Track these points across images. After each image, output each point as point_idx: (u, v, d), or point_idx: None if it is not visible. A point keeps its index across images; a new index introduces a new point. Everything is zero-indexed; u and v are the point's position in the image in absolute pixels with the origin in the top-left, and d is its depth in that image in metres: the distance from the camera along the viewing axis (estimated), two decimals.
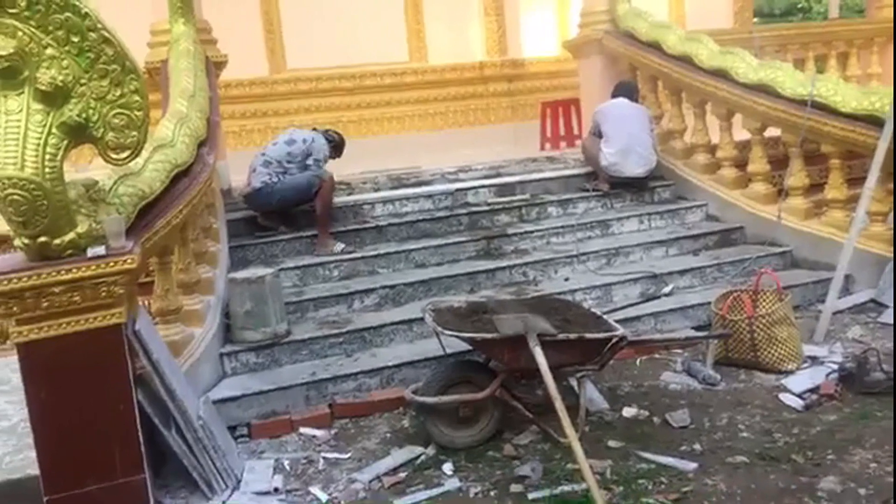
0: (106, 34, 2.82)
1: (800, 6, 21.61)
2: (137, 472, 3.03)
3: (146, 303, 3.95)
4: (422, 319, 3.71)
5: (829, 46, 8.02)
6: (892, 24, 8.14)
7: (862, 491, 2.80)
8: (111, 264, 2.90)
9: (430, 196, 5.89)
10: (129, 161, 3.03)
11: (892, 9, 8.25)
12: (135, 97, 2.87)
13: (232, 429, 3.73)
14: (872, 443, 3.14)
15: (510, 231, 5.58)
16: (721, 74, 5.78)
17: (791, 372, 3.99)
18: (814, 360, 4.12)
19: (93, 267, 2.88)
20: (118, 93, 2.85)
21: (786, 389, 3.81)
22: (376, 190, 6.01)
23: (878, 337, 4.40)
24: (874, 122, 4.84)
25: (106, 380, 3.00)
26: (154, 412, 3.11)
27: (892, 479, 2.86)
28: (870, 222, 5.04)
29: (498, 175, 6.36)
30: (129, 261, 2.92)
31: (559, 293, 4.69)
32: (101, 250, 2.91)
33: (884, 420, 3.36)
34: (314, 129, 5.63)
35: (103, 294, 2.93)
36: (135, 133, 2.91)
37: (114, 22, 2.96)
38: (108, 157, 2.96)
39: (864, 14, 10.87)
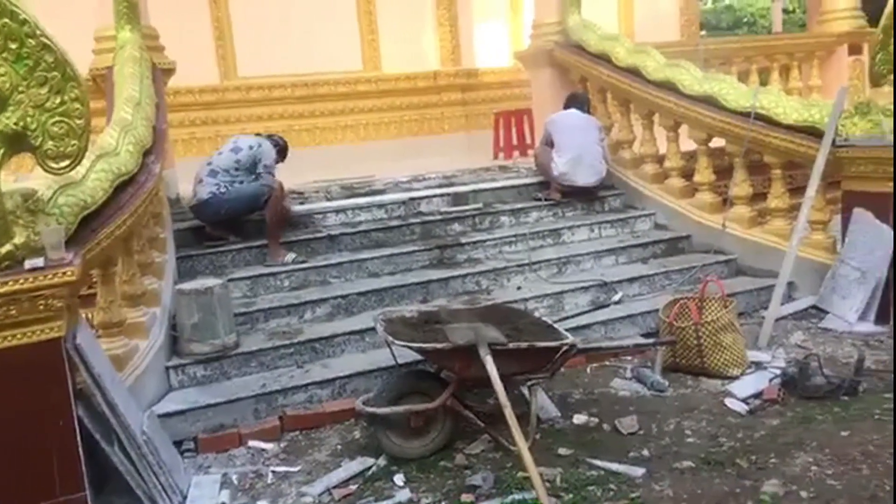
0: (45, 41, 2.75)
1: (745, 20, 22.26)
2: (78, 490, 2.94)
3: (88, 315, 3.86)
4: (374, 329, 3.69)
5: (771, 59, 8.27)
6: (831, 39, 8.45)
7: (804, 494, 2.87)
8: (50, 277, 2.81)
9: (383, 205, 5.87)
10: (70, 170, 2.95)
11: (831, 23, 8.56)
12: (75, 105, 2.80)
13: (178, 443, 3.65)
14: (813, 446, 3.22)
15: (463, 240, 5.59)
16: (668, 86, 5.91)
17: (736, 377, 4.08)
18: (758, 365, 4.22)
19: (30, 279, 2.79)
20: (58, 101, 2.78)
21: (731, 395, 3.90)
22: (329, 199, 5.96)
23: (819, 342, 4.54)
24: (814, 133, 5.00)
25: (45, 395, 2.91)
26: (95, 428, 3.03)
27: (833, 483, 2.93)
28: (811, 230, 5.20)
29: (451, 184, 6.38)
30: (68, 273, 2.84)
31: (511, 302, 4.73)
32: (39, 262, 2.82)
33: (824, 424, 3.46)
34: (258, 135, 5.56)
35: (41, 307, 2.84)
36: (75, 142, 2.84)
37: (57, 28, 2.90)
38: (48, 166, 2.88)
39: (805, 28, 11.23)
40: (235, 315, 4.39)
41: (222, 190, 5.14)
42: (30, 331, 2.85)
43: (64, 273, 2.84)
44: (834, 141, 4.86)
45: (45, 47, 2.73)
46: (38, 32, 2.72)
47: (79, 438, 2.96)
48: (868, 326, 4.65)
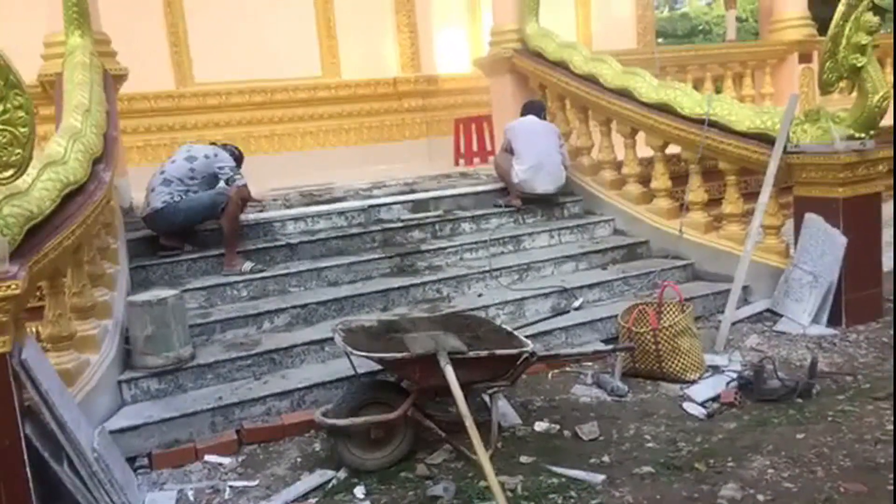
0: None
1: (701, 28, 22.72)
2: None
3: (36, 329, 3.74)
4: (334, 339, 3.64)
5: (725, 67, 8.42)
6: (782, 47, 8.64)
7: (761, 497, 2.90)
8: None
9: (342, 213, 5.82)
10: (14, 180, 2.85)
11: (782, 32, 8.76)
12: (19, 113, 2.71)
13: (132, 460, 3.56)
14: (769, 449, 3.27)
15: (424, 247, 5.57)
16: (624, 94, 5.98)
17: (694, 381, 4.13)
18: (715, 369, 4.28)
19: None
20: (0, 108, 2.69)
21: (689, 399, 3.94)
22: (287, 207, 5.89)
23: (773, 345, 4.62)
24: (766, 140, 5.10)
25: None
26: (44, 446, 2.93)
27: (789, 485, 2.98)
28: (764, 235, 5.30)
29: (412, 191, 6.36)
30: (12, 286, 2.74)
31: (472, 309, 4.72)
32: None
33: (779, 426, 3.51)
34: (213, 144, 5.46)
35: None
36: (19, 150, 2.75)
37: (4, 33, 2.81)
38: None
39: (759, 37, 11.48)
40: (191, 326, 4.30)
41: (176, 199, 5.04)
42: None
43: (8, 286, 2.74)
44: (785, 147, 4.96)
45: None
46: None
47: (26, 458, 2.85)
48: (820, 329, 4.75)
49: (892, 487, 2.85)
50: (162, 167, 5.25)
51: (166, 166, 5.22)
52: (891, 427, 3.35)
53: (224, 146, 5.48)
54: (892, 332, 4.54)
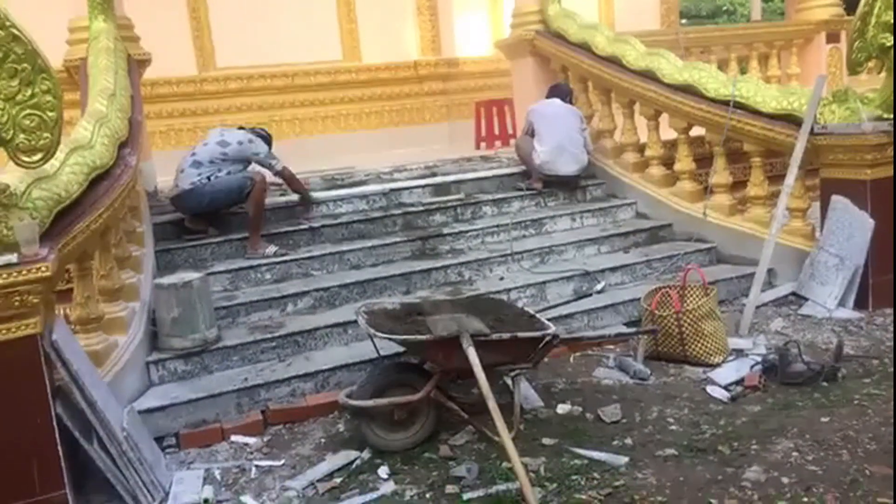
0: (15, 31, 2.69)
1: (724, 8, 22.35)
2: (58, 488, 2.92)
3: (66, 311, 3.80)
4: (356, 322, 3.67)
5: (750, 48, 8.31)
6: (809, 27, 8.50)
7: (785, 479, 2.89)
8: (24, 273, 2.77)
9: (364, 196, 5.84)
10: (42, 164, 2.89)
11: (809, 11, 8.61)
12: (47, 97, 2.75)
13: (160, 439, 3.61)
14: (794, 432, 3.25)
15: (445, 231, 5.57)
16: (648, 75, 5.92)
17: (717, 365, 4.11)
18: (739, 352, 4.24)
19: (4, 276, 2.75)
20: (29, 93, 2.73)
21: (713, 382, 3.92)
22: (310, 191, 5.90)
23: (798, 329, 4.57)
24: (793, 121, 5.03)
25: (22, 393, 2.87)
26: (74, 425, 2.99)
27: (814, 468, 2.96)
28: (790, 218, 5.24)
29: (433, 175, 6.36)
30: (43, 269, 2.79)
31: (494, 292, 4.72)
32: (12, 258, 2.77)
33: (804, 410, 3.49)
34: (241, 129, 5.49)
35: (16, 304, 2.79)
36: (47, 135, 2.79)
37: (29, 18, 2.84)
38: (20, 160, 2.82)
39: (784, 17, 11.29)
40: (216, 309, 4.35)
41: (204, 181, 5.08)
42: (4, 328, 2.81)
43: (38, 269, 2.79)
44: (812, 129, 4.88)
45: (15, 38, 2.67)
46: (7, 23, 2.66)
47: (57, 436, 2.93)
48: (847, 312, 4.70)
49: None
50: (193, 149, 5.29)
51: (197, 148, 5.25)
52: None
53: (252, 129, 5.51)
54: None
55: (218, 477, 3.34)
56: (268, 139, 5.55)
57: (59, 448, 2.92)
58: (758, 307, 4.78)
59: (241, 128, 5.52)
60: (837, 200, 4.84)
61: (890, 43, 4.48)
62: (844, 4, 8.59)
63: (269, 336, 4.28)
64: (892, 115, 4.65)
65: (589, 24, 6.71)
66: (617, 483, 2.98)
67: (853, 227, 4.74)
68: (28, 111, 2.74)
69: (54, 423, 2.92)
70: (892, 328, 4.43)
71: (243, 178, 5.16)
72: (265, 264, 4.98)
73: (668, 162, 6.18)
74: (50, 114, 2.78)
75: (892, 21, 4.44)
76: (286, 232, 5.37)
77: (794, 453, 3.08)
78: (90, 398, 3.01)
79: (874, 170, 4.69)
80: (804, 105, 4.96)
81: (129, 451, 3.08)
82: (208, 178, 5.10)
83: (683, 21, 15.61)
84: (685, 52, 7.36)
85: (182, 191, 5.12)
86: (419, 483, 3.14)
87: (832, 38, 8.47)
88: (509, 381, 3.69)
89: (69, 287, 3.79)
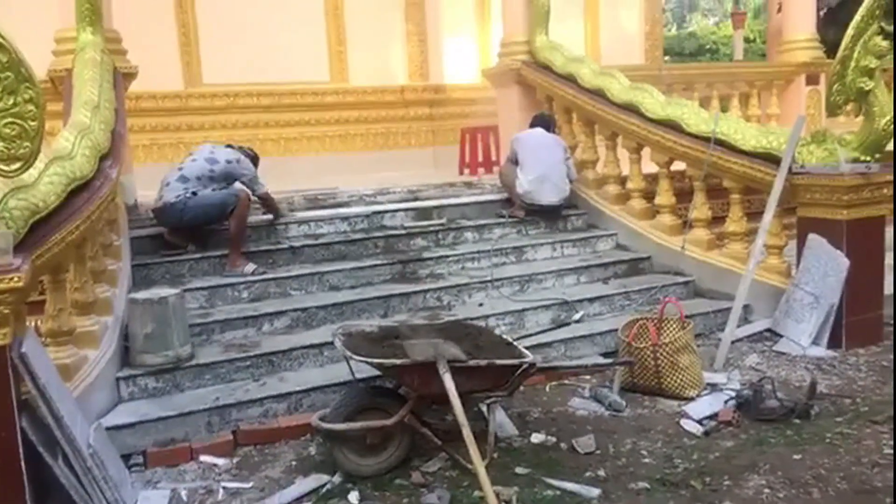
0: (0, 40, 2.67)
1: (708, 47, 22.77)
2: None
3: (36, 323, 3.74)
4: (333, 343, 3.64)
5: (732, 87, 8.45)
6: (790, 69, 8.67)
7: None
8: None
9: (346, 218, 5.83)
10: (21, 173, 2.87)
11: (790, 54, 8.79)
12: (29, 106, 2.73)
13: (126, 457, 3.54)
14: (766, 469, 3.26)
15: (426, 255, 5.57)
16: (631, 109, 5.99)
17: (692, 398, 4.11)
18: (713, 387, 4.26)
19: None
20: (10, 101, 2.71)
21: (687, 416, 3.92)
22: (292, 210, 5.90)
23: (773, 365, 4.61)
24: (772, 160, 5.11)
25: None
26: (39, 440, 2.92)
27: None
28: (767, 255, 5.30)
29: (416, 199, 6.37)
30: (15, 279, 2.75)
31: (473, 318, 4.71)
32: None
33: (777, 447, 3.50)
34: (230, 147, 5.47)
35: None
36: (28, 144, 2.77)
37: (15, 27, 2.82)
38: None
39: (766, 58, 11.52)
40: (191, 326, 4.30)
41: (189, 195, 5.05)
42: None
43: (10, 279, 2.75)
44: (791, 168, 4.96)
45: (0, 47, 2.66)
46: None
47: (21, 451, 2.85)
48: (820, 351, 4.74)
49: None
50: (181, 163, 5.25)
51: (185, 163, 5.21)
52: (889, 451, 3.34)
53: (240, 148, 5.49)
54: (892, 356, 4.53)
55: (184, 497, 3.28)
56: (255, 160, 5.54)
57: (23, 463, 2.85)
58: (733, 342, 4.81)
59: (229, 145, 5.50)
60: (813, 239, 4.91)
61: (868, 87, 4.58)
62: (825, 47, 8.78)
63: (243, 355, 4.23)
64: (869, 158, 4.74)
65: (575, 57, 6.80)
66: None
67: (828, 266, 4.80)
68: (9, 119, 2.72)
69: (18, 438, 2.85)
70: (864, 368, 4.48)
71: (227, 195, 5.13)
72: (243, 282, 4.94)
73: (648, 195, 6.24)
74: (31, 123, 2.76)
75: (870, 66, 4.54)
76: (266, 251, 5.34)
77: (766, 490, 3.09)
78: (57, 413, 2.94)
79: (850, 210, 4.77)
80: (783, 144, 5.05)
81: (95, 468, 3.01)
82: (193, 192, 5.07)
83: (667, 58, 15.87)
84: (668, 87, 7.47)
85: (165, 203, 5.07)
86: None
87: (812, 79, 8.65)
88: (484, 409, 3.66)
89: (41, 298, 3.73)
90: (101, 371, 3.74)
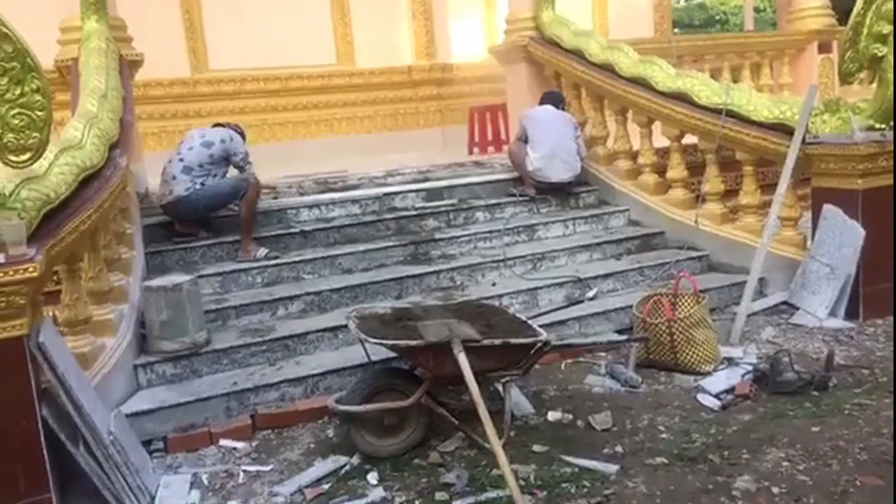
0: (4, 30, 2.68)
1: (717, 18, 22.49)
2: (43, 492, 2.90)
3: (53, 313, 3.77)
4: (347, 326, 3.65)
5: (743, 57, 8.34)
6: (801, 37, 8.54)
7: (776, 489, 2.88)
8: (11, 273, 2.74)
9: (357, 201, 5.82)
10: (31, 164, 2.87)
11: (801, 22, 8.66)
12: (36, 97, 2.73)
13: (147, 443, 3.58)
14: (785, 442, 3.25)
15: (438, 236, 5.56)
16: (641, 83, 5.92)
17: (708, 373, 4.10)
18: (730, 361, 4.24)
19: None
20: (18, 92, 2.71)
21: (703, 390, 3.91)
22: (302, 194, 5.90)
23: (790, 338, 4.58)
24: (785, 130, 5.04)
25: (7, 395, 2.85)
26: (60, 428, 2.96)
27: (804, 478, 2.96)
28: (781, 227, 5.25)
29: (426, 179, 6.35)
30: (30, 269, 2.76)
31: (486, 298, 4.71)
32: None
33: (795, 419, 3.49)
34: (217, 125, 5.42)
35: (2, 305, 2.77)
36: (36, 134, 2.77)
37: (21, 17, 2.82)
38: (8, 159, 2.81)
39: (776, 27, 11.35)
40: (206, 312, 4.32)
41: (198, 186, 5.05)
42: None
43: (26, 269, 2.77)
44: (804, 138, 4.90)
45: (4, 37, 2.66)
46: None
47: (43, 439, 2.90)
48: (837, 322, 4.71)
49: None
50: (179, 154, 5.19)
51: (184, 153, 5.17)
52: None
53: (227, 125, 5.45)
54: None
55: (205, 481, 3.31)
56: (243, 136, 5.47)
57: (45, 451, 2.89)
58: (749, 316, 4.78)
59: (217, 124, 5.47)
60: (828, 210, 4.86)
61: (881, 53, 4.50)
62: (836, 15, 8.63)
63: (259, 340, 4.25)
64: (884, 126, 4.67)
65: (582, 32, 6.72)
66: (607, 491, 2.97)
67: (844, 236, 4.75)
68: (17, 110, 2.72)
69: (40, 426, 2.89)
70: (882, 338, 4.44)
71: (238, 181, 5.15)
72: (256, 268, 4.95)
73: (660, 170, 6.19)
74: (39, 113, 2.76)
75: (883, 31, 4.46)
76: (277, 235, 5.34)
77: (785, 463, 3.08)
78: (76, 401, 2.97)
79: (865, 179, 4.71)
80: (796, 114, 4.98)
81: (116, 454, 3.04)
82: (202, 183, 5.07)
83: (676, 30, 15.68)
84: (678, 60, 7.37)
85: (178, 197, 5.05)
86: (408, 489, 3.12)
87: (824, 48, 8.51)
88: (500, 388, 3.68)
89: (57, 288, 3.75)
90: (118, 359, 3.77)
